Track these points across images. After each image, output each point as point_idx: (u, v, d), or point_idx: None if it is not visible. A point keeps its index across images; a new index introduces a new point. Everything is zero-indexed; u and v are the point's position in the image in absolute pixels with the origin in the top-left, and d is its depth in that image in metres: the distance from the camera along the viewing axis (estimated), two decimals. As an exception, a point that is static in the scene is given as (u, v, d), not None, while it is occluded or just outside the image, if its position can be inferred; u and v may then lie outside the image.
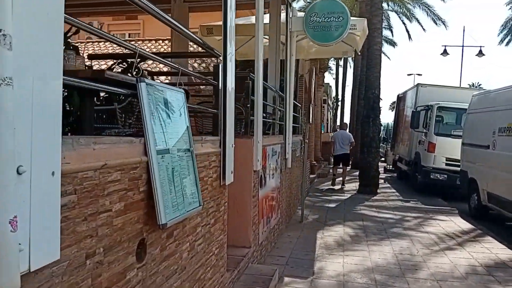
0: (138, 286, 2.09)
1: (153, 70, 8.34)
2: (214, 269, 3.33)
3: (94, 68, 4.22)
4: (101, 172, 1.76)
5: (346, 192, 12.05)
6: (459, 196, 10.44)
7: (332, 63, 29.04)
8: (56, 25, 1.43)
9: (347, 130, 14.73)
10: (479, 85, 47.88)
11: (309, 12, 6.83)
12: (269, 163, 5.55)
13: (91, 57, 4.35)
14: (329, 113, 30.19)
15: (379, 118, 12.45)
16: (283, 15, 6.97)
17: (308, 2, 19.78)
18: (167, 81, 7.16)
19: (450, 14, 42.11)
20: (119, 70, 3.53)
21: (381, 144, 18.50)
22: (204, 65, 12.52)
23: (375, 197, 11.25)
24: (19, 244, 1.23)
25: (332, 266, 5.27)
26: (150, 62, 8.10)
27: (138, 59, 3.43)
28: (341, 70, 31.10)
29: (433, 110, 12.00)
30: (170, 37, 8.53)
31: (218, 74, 3.40)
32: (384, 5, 21.01)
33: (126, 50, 2.78)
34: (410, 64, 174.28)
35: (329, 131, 27.12)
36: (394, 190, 13.01)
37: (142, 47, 13.33)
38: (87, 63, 4.16)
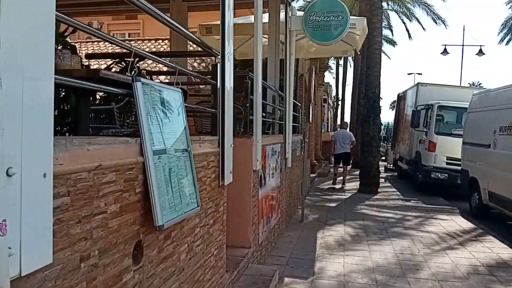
0: (135, 289, 2.06)
1: (153, 69, 8.32)
2: (213, 270, 3.30)
3: (94, 67, 4.20)
4: (96, 173, 1.73)
5: (346, 191, 12.02)
6: (460, 195, 10.41)
7: (332, 63, 29.04)
8: (47, 23, 1.40)
9: (348, 129, 14.72)
10: (479, 84, 47.85)
11: (309, 11, 6.80)
12: (269, 162, 5.51)
13: (89, 56, 4.32)
14: (329, 112, 30.13)
15: (380, 117, 12.42)
16: (282, 14, 6.93)
17: (307, 1, 19.76)
18: (167, 80, 7.13)
19: (450, 13, 42.16)
20: (118, 69, 3.51)
21: (381, 143, 18.48)
22: (204, 64, 12.49)
23: (375, 197, 11.22)
24: (9, 248, 1.20)
25: (332, 266, 5.24)
26: (150, 62, 8.08)
27: (137, 59, 3.42)
28: (341, 69, 31.12)
29: (434, 109, 11.98)
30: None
31: (216, 73, 3.37)
32: (384, 4, 21.00)
33: (125, 49, 2.75)
34: (410, 64, 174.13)
35: (329, 130, 27.09)
36: (395, 189, 12.98)
37: (142, 47, 13.33)
38: (85, 63, 4.14)
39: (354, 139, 13.36)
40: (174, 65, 2.98)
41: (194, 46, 9.47)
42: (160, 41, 13.86)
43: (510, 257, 5.89)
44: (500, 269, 5.36)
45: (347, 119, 25.93)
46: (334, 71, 32.43)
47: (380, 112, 12.36)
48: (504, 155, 7.67)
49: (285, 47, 6.84)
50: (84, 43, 14.09)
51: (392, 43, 31.30)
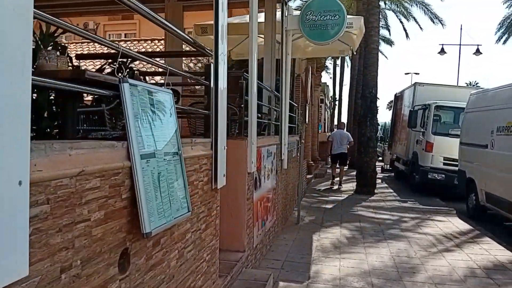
0: (121, 298, 1.98)
1: (148, 70, 8.23)
2: (205, 276, 3.22)
3: (86, 69, 4.10)
4: (78, 179, 1.65)
5: (343, 192, 11.96)
6: (457, 196, 10.36)
7: (329, 63, 28.99)
8: (23, 22, 1.32)
9: (345, 130, 14.67)
10: (477, 84, 47.94)
11: (305, 10, 6.72)
12: (264, 164, 5.44)
13: (80, 57, 4.23)
14: (326, 112, 30.11)
15: (377, 118, 12.36)
16: (278, 13, 6.86)
17: (304, 1, 19.69)
18: (161, 81, 7.05)
19: (448, 12, 42.33)
20: (111, 70, 3.43)
21: (378, 143, 18.45)
22: (200, 65, 12.40)
23: (372, 198, 11.16)
24: (-22, 262, 1.12)
25: (328, 270, 5.17)
26: (145, 62, 7.97)
27: (129, 60, 3.33)
28: (338, 69, 31.11)
29: (431, 109, 11.94)
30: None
31: (209, 73, 3.29)
32: (381, 3, 20.95)
33: (113, 50, 2.67)
34: (408, 63, 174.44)
35: (326, 130, 27.05)
36: (392, 190, 12.93)
37: (138, 47, 13.23)
38: (82, 64, 4.05)
39: (352, 140, 13.32)
40: (165, 66, 2.90)
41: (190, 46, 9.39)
42: (156, 41, 13.77)
43: (507, 259, 5.84)
44: (498, 272, 5.31)
45: (344, 119, 25.90)
46: (331, 71, 32.47)
47: (377, 112, 12.31)
48: (501, 156, 7.62)
49: (281, 47, 6.76)
50: (80, 43, 13.99)
51: (390, 42, 31.33)
